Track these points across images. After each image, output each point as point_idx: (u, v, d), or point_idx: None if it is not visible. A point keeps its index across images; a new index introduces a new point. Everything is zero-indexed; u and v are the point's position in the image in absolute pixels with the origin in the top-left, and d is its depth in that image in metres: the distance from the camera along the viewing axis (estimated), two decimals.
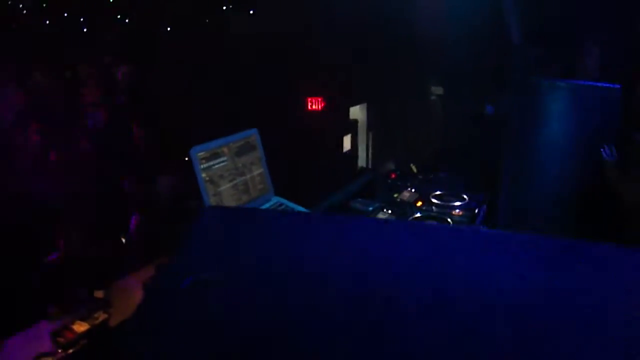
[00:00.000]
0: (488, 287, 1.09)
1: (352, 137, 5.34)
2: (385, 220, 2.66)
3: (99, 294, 3.86)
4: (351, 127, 5.36)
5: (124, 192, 5.28)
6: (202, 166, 2.21)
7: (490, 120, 4.36)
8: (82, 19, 10.31)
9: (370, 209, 3.09)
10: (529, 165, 3.55)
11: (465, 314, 1.02)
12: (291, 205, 2.54)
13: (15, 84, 5.91)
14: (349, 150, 5.26)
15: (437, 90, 5.58)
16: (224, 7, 8.39)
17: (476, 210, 3.20)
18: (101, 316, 3.71)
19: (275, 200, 2.55)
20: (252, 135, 2.53)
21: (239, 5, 8.23)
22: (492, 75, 4.44)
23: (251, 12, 8.00)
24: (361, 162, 5.41)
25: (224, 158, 2.33)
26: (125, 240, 5.06)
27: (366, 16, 5.55)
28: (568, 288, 1.08)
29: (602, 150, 3.25)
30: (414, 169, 4.35)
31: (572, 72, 4.12)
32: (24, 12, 10.68)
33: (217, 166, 2.28)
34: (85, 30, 10.26)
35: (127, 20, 9.77)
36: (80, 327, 3.51)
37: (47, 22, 10.42)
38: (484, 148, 4.10)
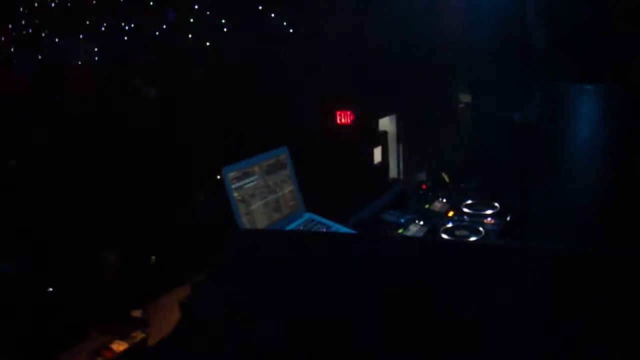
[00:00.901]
0: None
1: (382, 148, 5.36)
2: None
3: (137, 313, 3.94)
4: (381, 138, 5.38)
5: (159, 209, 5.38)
6: (233, 186, 2.26)
7: (519, 127, 4.34)
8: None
9: (402, 220, 3.11)
10: (558, 171, 3.53)
11: None
12: (323, 220, 2.58)
13: None
14: (379, 162, 5.28)
15: (465, 98, 5.58)
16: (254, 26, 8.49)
17: (508, 218, 3.20)
18: (139, 335, 3.78)
19: (307, 216, 2.59)
20: (282, 153, 2.58)
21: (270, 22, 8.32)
22: (519, 82, 4.43)
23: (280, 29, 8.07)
24: (392, 173, 5.43)
25: (255, 177, 2.38)
26: (158, 259, 5.14)
27: (391, 27, 5.59)
28: None
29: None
30: (446, 178, 4.34)
31: (599, 77, 4.09)
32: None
33: (248, 185, 2.32)
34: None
35: (157, 34, 9.94)
36: (119, 346, 3.59)
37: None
38: (513, 155, 4.09)
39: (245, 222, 2.26)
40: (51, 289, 4.81)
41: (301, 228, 2.47)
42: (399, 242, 1.76)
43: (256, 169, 2.40)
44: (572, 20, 4.41)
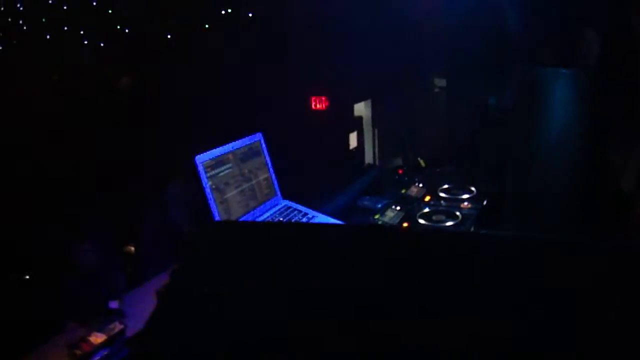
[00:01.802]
0: None
1: (357, 134, 5.32)
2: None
3: (114, 304, 3.89)
4: (356, 124, 5.34)
5: (133, 199, 5.30)
6: (207, 174, 2.22)
7: (494, 111, 4.34)
8: (82, 32, 10.37)
9: (379, 206, 3.10)
10: (534, 155, 3.54)
11: None
12: (299, 207, 2.55)
13: None
14: (355, 148, 5.24)
15: (441, 82, 5.56)
16: (222, 11, 8.39)
17: (484, 202, 3.20)
18: (117, 327, 3.74)
19: (284, 204, 2.56)
20: (257, 140, 2.54)
21: (239, 7, 8.23)
22: (494, 65, 4.43)
23: (250, 14, 8.00)
24: (368, 158, 5.40)
25: (229, 165, 2.34)
26: (136, 249, 5.09)
27: (366, 10, 5.55)
28: None
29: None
30: (422, 163, 4.34)
31: (568, 59, 4.10)
32: (25, 28, 10.76)
33: (222, 173, 2.29)
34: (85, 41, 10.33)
35: (126, 30, 9.81)
36: (97, 338, 3.54)
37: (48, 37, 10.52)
38: (488, 139, 4.09)
39: (220, 210, 2.22)
40: (27, 276, 4.75)
41: (277, 215, 2.44)
42: (375, 231, 1.74)
43: (230, 156, 2.36)
44: (547, 2, 4.42)
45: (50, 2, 10.23)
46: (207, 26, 8.53)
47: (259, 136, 2.56)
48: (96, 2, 9.80)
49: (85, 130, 6.53)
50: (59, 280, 4.58)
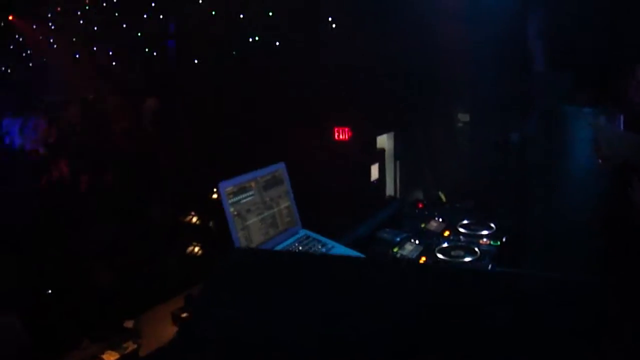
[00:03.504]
0: None
1: (379, 166, 5.35)
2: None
3: (129, 324, 3.93)
4: (378, 156, 5.37)
5: (151, 222, 5.38)
6: (230, 200, 2.26)
7: (516, 148, 4.36)
8: (110, 52, 10.57)
9: (398, 239, 3.11)
10: (555, 193, 3.54)
11: None
12: (318, 237, 2.57)
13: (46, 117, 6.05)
14: (376, 180, 5.27)
15: (464, 117, 5.59)
16: (250, 39, 8.50)
17: (503, 239, 3.20)
18: (130, 346, 3.78)
19: (303, 233, 2.59)
20: (279, 169, 2.58)
21: (263, 39, 8.33)
22: (518, 102, 4.45)
23: (277, 43, 8.09)
24: (389, 190, 5.42)
25: (252, 192, 2.38)
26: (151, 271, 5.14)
27: (391, 45, 5.61)
28: None
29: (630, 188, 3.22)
30: (443, 197, 4.35)
31: (600, 99, 4.11)
32: (55, 46, 10.98)
33: (244, 200, 2.32)
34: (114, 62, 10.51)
35: (154, 54, 9.98)
36: (110, 356, 3.58)
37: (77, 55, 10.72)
38: (510, 175, 4.10)
39: (241, 237, 2.25)
40: (50, 291, 4.81)
41: (297, 244, 2.47)
42: (395, 266, 1.75)
43: (253, 184, 2.40)
44: (571, 42, 4.44)
45: None
46: (234, 53, 8.65)
47: (281, 165, 2.60)
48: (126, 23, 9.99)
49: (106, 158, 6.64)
50: (76, 298, 4.64)
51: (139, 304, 4.25)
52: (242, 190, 2.33)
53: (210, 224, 5.73)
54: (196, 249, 5.35)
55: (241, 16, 8.36)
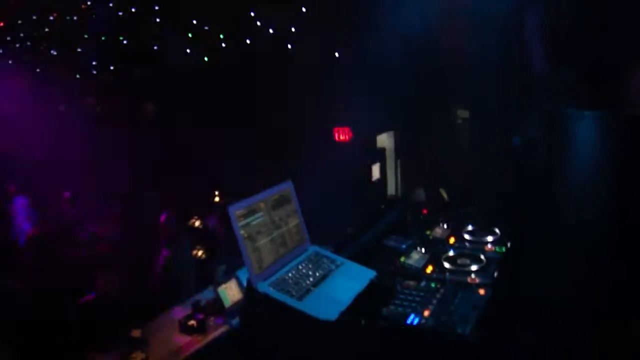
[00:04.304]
0: None
1: (380, 165, 5.38)
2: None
3: (137, 333, 3.94)
4: (379, 155, 5.40)
5: (157, 230, 5.38)
6: (240, 223, 2.28)
7: (518, 151, 4.37)
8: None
9: (404, 247, 3.13)
10: (557, 196, 3.56)
11: None
12: (328, 254, 2.60)
13: None
14: (377, 179, 5.30)
15: (463, 113, 5.60)
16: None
17: (508, 244, 3.21)
18: (139, 356, 3.80)
19: (312, 250, 2.61)
20: (287, 187, 2.60)
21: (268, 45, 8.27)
22: (518, 103, 4.46)
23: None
24: (390, 190, 5.45)
25: (261, 213, 2.40)
26: (155, 277, 5.16)
27: (390, 44, 5.61)
28: None
29: None
30: (444, 195, 4.36)
31: (600, 98, 4.12)
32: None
33: (254, 222, 2.35)
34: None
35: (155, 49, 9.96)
36: None
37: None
38: (512, 178, 4.11)
39: (252, 259, 2.28)
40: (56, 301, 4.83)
41: (307, 263, 2.50)
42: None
43: (262, 205, 2.42)
44: (570, 40, 4.44)
45: None
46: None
47: (289, 184, 2.62)
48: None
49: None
50: (84, 308, 4.66)
51: (146, 312, 4.27)
52: (252, 212, 2.35)
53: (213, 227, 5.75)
54: (200, 253, 5.37)
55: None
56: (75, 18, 10.25)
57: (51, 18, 10.52)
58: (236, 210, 2.28)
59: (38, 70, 10.73)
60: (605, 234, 3.32)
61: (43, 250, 5.60)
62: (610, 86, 4.20)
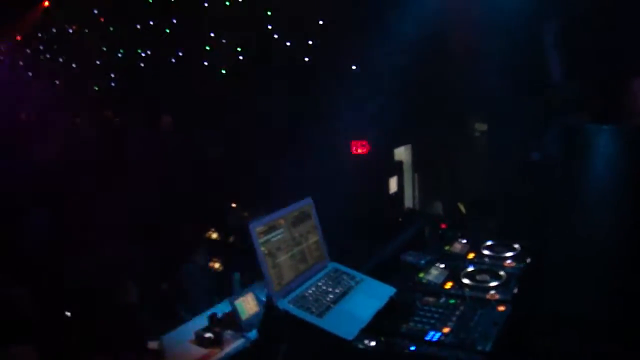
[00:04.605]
0: None
1: (397, 178, 5.38)
2: None
3: (153, 345, 3.94)
4: (396, 168, 5.40)
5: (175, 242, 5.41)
6: (260, 240, 2.29)
7: (537, 166, 4.35)
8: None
9: (423, 262, 3.11)
10: (577, 210, 3.54)
11: None
12: (347, 271, 2.60)
13: None
14: (395, 192, 5.29)
15: (481, 126, 5.58)
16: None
17: (528, 260, 3.19)
18: None
19: (331, 267, 2.61)
20: (308, 204, 2.61)
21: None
22: (536, 117, 4.45)
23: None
24: (408, 203, 5.44)
25: (281, 229, 2.41)
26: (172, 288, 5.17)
27: (408, 56, 5.61)
28: None
29: None
30: (462, 209, 4.35)
31: (615, 108, 4.11)
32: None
33: (275, 239, 2.36)
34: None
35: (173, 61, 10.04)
36: None
37: None
38: (532, 194, 4.09)
39: (272, 275, 2.28)
40: (68, 313, 4.85)
41: (326, 280, 2.50)
42: None
43: (282, 221, 2.43)
44: (588, 54, 4.43)
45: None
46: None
47: (309, 200, 2.63)
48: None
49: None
50: (98, 319, 4.67)
51: (162, 324, 4.27)
52: (272, 228, 2.36)
53: (230, 239, 5.77)
54: (216, 265, 5.39)
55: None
56: (93, 31, 10.40)
57: (70, 31, 10.69)
58: (257, 227, 2.29)
59: (57, 82, 10.87)
60: (626, 248, 3.30)
61: (61, 257, 5.64)
62: (619, 98, 4.19)
